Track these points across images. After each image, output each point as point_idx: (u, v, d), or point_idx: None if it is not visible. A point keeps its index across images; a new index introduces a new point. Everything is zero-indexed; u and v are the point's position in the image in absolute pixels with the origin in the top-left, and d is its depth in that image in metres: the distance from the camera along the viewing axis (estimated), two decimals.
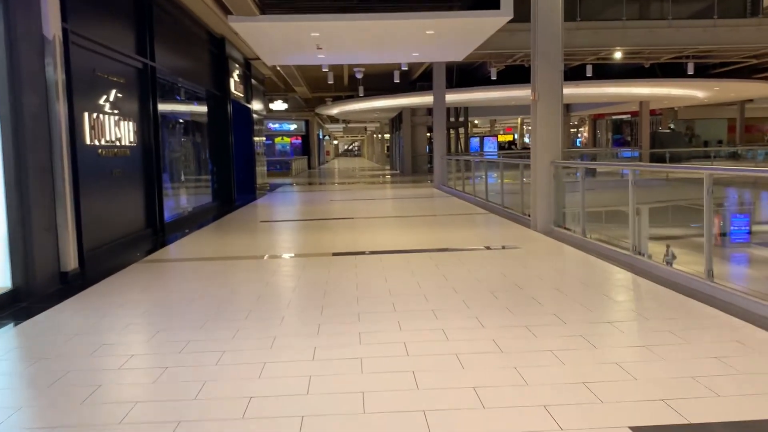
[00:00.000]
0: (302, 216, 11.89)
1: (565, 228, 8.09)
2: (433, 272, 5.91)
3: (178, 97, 11.84)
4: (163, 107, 10.89)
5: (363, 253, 7.13)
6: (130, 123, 8.35)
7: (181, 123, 12.44)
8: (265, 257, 7.11)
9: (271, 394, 3.07)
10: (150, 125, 9.10)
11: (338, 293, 5.14)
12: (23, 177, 5.34)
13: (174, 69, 10.83)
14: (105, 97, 7.55)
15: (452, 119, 28.98)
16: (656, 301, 4.75)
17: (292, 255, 7.28)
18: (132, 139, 8.40)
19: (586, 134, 49.06)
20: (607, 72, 23.21)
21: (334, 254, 7.12)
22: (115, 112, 7.84)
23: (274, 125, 39.53)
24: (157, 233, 9.15)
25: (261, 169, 21.00)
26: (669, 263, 5.99)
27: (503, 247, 7.31)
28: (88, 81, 7.10)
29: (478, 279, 5.53)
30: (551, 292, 5.06)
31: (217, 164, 14.29)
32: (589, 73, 21.07)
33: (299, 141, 41.19)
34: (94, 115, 7.17)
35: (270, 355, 3.65)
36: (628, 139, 44.16)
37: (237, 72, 15.71)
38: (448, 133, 30.43)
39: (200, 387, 3.17)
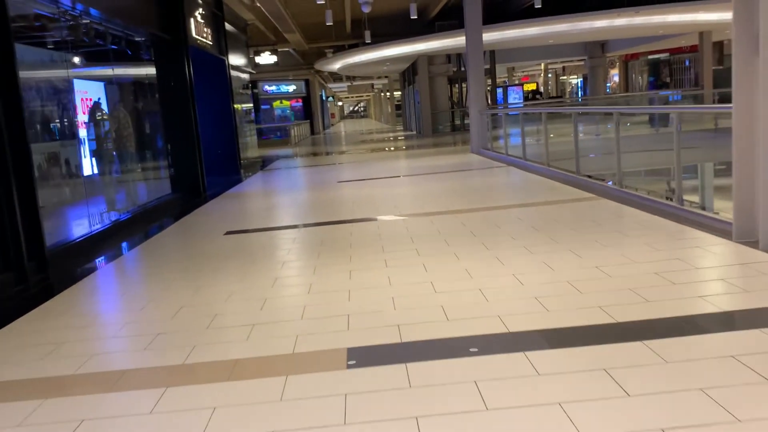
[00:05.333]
0: (295, 217, 7.66)
1: None
2: None
3: (86, 40, 7.52)
4: (50, 57, 6.68)
5: (422, 355, 2.94)
6: None
7: (100, 82, 8.18)
8: (195, 365, 2.96)
9: None
10: None
11: None
12: None
13: None
14: None
15: None
16: None
17: (256, 356, 3.11)
18: None
19: (616, 79, 44.10)
20: None
21: (352, 363, 2.93)
22: None
23: (270, 87, 35.11)
24: (25, 279, 4.99)
25: (249, 140, 16.77)
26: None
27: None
28: None
29: None
30: None
31: (173, 141, 10.04)
32: None
33: (300, 104, 36.74)
34: None
35: None
36: (667, 80, 39.20)
37: (200, 11, 11.33)
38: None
39: None
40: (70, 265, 5.65)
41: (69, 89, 7.14)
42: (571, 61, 41.34)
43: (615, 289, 3.64)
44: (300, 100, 36.68)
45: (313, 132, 35.33)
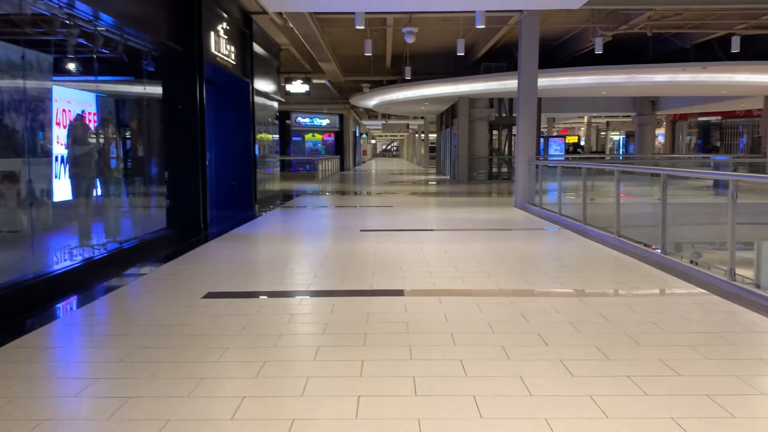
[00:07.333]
0: (299, 277, 6.07)
1: None
2: None
3: (68, 39, 6.16)
4: (19, 56, 5.32)
5: None
6: None
7: (88, 92, 6.82)
8: None
9: None
10: None
11: None
12: None
13: None
14: None
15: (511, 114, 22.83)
16: None
17: None
18: None
19: (661, 139, 42.24)
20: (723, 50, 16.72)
21: None
22: None
23: (303, 120, 34.15)
24: None
25: (272, 172, 15.40)
26: None
27: None
28: None
29: None
30: None
31: (173, 168, 8.63)
32: (735, 48, 14.78)
33: (332, 138, 35.68)
34: None
35: None
36: (717, 144, 37.21)
37: (223, 25, 10.07)
38: (509, 131, 24.35)
39: None
40: None
41: (44, 97, 5.80)
42: (616, 116, 39.71)
43: None
44: (332, 134, 35.66)
45: (343, 168, 34.13)
